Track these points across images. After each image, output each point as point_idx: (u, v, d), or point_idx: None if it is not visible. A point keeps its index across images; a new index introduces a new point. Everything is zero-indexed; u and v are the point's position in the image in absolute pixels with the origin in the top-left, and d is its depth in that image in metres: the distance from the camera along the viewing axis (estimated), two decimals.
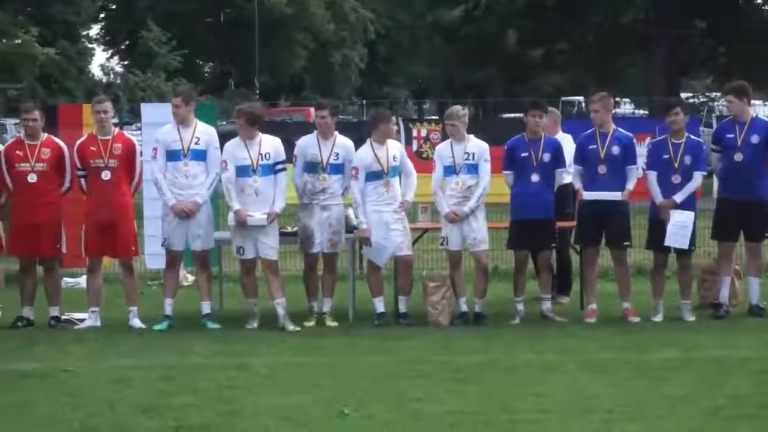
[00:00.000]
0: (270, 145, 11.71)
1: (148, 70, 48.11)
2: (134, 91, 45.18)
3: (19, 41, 32.44)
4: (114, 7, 65.27)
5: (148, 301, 12.70)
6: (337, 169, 11.81)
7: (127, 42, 62.61)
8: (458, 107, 12.21)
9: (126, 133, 12.46)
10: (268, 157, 11.60)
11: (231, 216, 11.64)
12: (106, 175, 11.67)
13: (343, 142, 11.91)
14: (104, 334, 11.45)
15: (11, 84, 30.48)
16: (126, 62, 61.08)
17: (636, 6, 38.79)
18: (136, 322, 11.77)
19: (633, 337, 10.97)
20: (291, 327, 11.52)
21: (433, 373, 9.37)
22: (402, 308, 11.92)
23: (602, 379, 9.10)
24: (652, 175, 11.95)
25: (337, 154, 11.81)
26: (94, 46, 63.28)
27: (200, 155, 11.68)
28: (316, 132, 11.95)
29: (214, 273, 12.49)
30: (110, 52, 66.12)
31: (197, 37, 60.40)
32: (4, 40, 32.58)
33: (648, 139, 12.88)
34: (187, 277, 14.09)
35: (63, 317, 11.99)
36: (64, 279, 13.13)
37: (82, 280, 13.69)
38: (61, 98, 41.80)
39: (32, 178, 11.76)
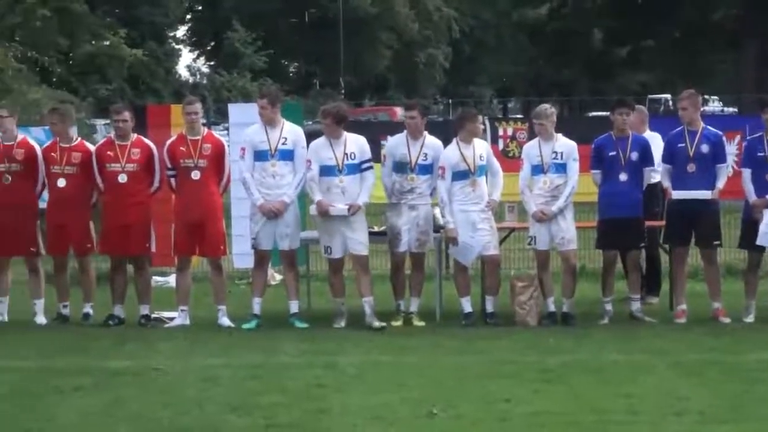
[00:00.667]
0: (355, 144, 11.75)
1: (234, 71, 48.56)
2: (220, 92, 45.62)
3: (108, 43, 32.79)
4: (200, 8, 65.99)
5: (237, 300, 12.79)
6: (426, 169, 11.81)
7: (213, 43, 63.28)
8: (546, 106, 12.15)
9: (215, 133, 12.57)
10: (353, 157, 11.64)
11: (313, 207, 11.71)
12: (195, 175, 11.79)
13: (432, 142, 11.90)
14: (193, 332, 11.58)
15: (101, 85, 30.92)
16: (212, 63, 61.71)
17: (727, 2, 38.25)
18: (225, 321, 11.88)
19: (724, 338, 10.83)
20: (377, 324, 11.54)
21: (521, 373, 9.33)
22: (489, 308, 11.88)
23: (693, 381, 9.00)
24: (747, 173, 11.78)
25: (426, 154, 11.81)
26: (181, 47, 64.04)
27: (287, 155, 11.75)
28: (405, 132, 11.97)
29: (302, 272, 12.55)
30: (196, 53, 66.85)
31: (282, 37, 60.83)
32: (93, 42, 32.98)
33: (738, 138, 12.71)
34: (274, 276, 14.17)
35: (153, 316, 12.14)
36: (154, 278, 13.27)
37: (171, 279, 13.85)
38: (149, 99, 42.34)
39: (122, 178, 11.91)
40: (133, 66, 33.48)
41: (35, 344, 10.90)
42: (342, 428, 7.71)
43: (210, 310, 12.13)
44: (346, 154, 11.62)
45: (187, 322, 11.94)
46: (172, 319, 12.06)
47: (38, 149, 12.22)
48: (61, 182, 12.00)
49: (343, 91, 52.82)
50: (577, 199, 12.14)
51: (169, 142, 12.05)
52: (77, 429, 7.63)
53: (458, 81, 68.69)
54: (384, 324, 11.59)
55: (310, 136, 12.17)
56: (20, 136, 12.39)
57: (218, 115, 29.25)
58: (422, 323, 11.83)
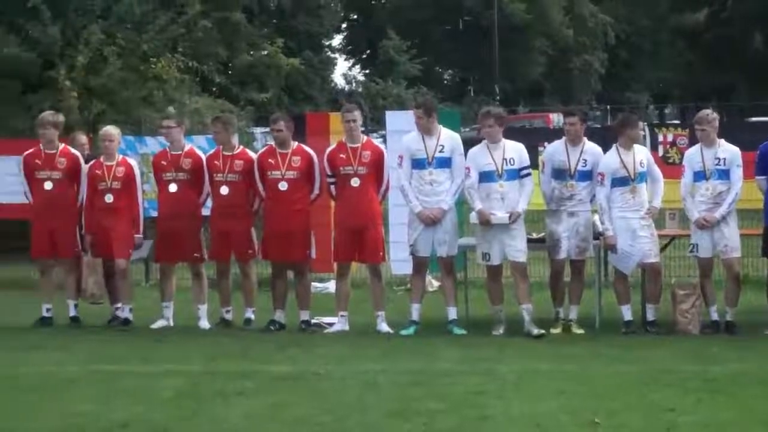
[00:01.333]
0: (514, 150, 11.72)
1: (389, 78, 48.84)
2: (375, 99, 45.94)
3: (266, 52, 33.38)
4: (355, 17, 66.58)
5: (395, 307, 12.87)
6: (585, 176, 11.71)
7: (368, 51, 63.74)
8: (708, 111, 11.93)
9: (374, 141, 12.67)
10: (512, 162, 11.60)
11: (473, 215, 11.70)
12: (355, 182, 11.90)
13: (591, 148, 11.80)
14: (352, 338, 11.69)
15: (259, 94, 31.38)
16: (367, 71, 62.17)
17: None
18: (384, 327, 11.96)
19: None
20: (536, 332, 11.48)
21: (683, 382, 9.16)
22: (650, 316, 11.71)
23: None
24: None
25: (585, 160, 11.71)
26: (337, 55, 64.69)
27: (445, 163, 11.77)
28: (564, 138, 11.89)
29: (460, 279, 12.55)
30: (352, 61, 67.44)
31: (436, 44, 60.91)
32: (252, 52, 33.62)
33: None
34: (432, 282, 14.21)
35: (313, 321, 12.29)
36: (313, 284, 13.43)
37: (331, 285, 14.01)
38: (306, 107, 42.85)
39: (283, 185, 12.08)
40: (290, 75, 34.01)
41: (199, 348, 11.12)
42: None
43: (369, 316, 12.22)
44: (505, 159, 11.60)
45: (347, 327, 12.05)
46: (331, 324, 12.19)
47: (203, 158, 12.50)
48: (224, 190, 12.23)
49: (498, 98, 52.62)
50: (741, 206, 11.89)
51: (329, 149, 12.19)
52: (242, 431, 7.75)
53: (614, 87, 67.84)
54: (543, 331, 11.52)
55: (466, 144, 12.18)
56: (187, 146, 12.69)
57: (374, 123, 29.47)
58: (581, 331, 11.73)
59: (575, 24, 63.42)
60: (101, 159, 12.48)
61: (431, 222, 11.72)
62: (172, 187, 12.38)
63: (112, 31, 21.56)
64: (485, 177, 11.61)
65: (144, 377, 9.69)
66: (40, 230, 12.56)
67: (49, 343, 11.48)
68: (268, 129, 13.59)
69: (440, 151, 11.77)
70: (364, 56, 65.13)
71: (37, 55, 21.66)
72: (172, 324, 12.49)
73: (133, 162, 12.71)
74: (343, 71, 71.32)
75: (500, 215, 11.50)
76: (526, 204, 11.68)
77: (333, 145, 12.29)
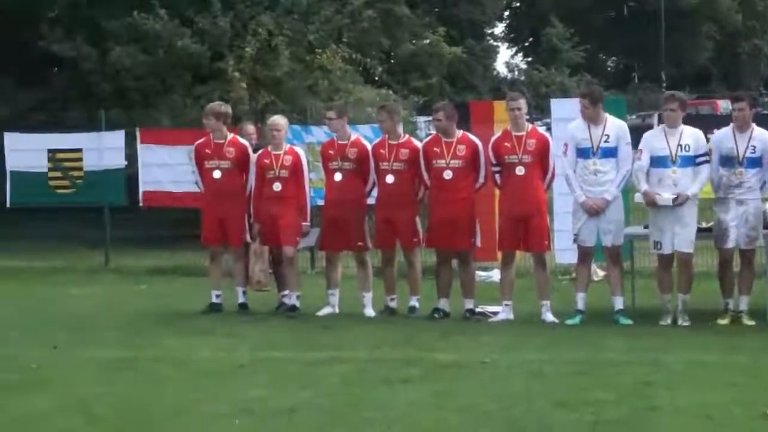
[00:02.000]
0: (691, 137, 11.49)
1: (551, 66, 48.44)
2: (538, 87, 45.63)
3: (428, 41, 33.44)
4: (518, 5, 66.21)
5: (560, 296, 12.79)
6: (754, 162, 11.42)
7: (530, 39, 63.34)
8: None
9: (539, 129, 12.59)
10: (687, 149, 11.39)
11: (638, 195, 11.58)
12: (520, 171, 11.84)
13: (760, 134, 11.50)
14: (517, 327, 11.65)
15: (421, 82, 31.49)
16: (529, 59, 61.79)
17: None
18: (549, 316, 11.88)
19: None
20: (681, 322, 11.37)
21: None
22: None
23: None
24: None
25: (754, 147, 11.42)
26: (499, 43, 64.45)
27: (609, 152, 11.63)
28: (732, 125, 11.62)
29: (626, 268, 12.38)
30: (514, 49, 67.13)
31: (599, 31, 60.20)
32: (414, 42, 33.68)
33: None
34: (597, 272, 14.06)
35: (477, 310, 12.29)
36: (477, 272, 13.42)
37: (494, 274, 13.99)
38: (468, 95, 42.77)
39: (448, 174, 12.08)
40: (452, 63, 34.01)
41: (364, 336, 11.22)
42: (673, 427, 7.54)
43: (533, 305, 12.15)
44: (680, 145, 11.39)
45: (511, 316, 12.02)
46: (496, 313, 12.17)
47: (369, 147, 12.59)
48: (390, 178, 12.30)
49: (664, 85, 51.74)
50: None
51: (494, 138, 12.16)
52: (408, 419, 7.78)
53: None
54: (687, 323, 11.38)
55: (633, 131, 12.00)
56: (353, 136, 12.80)
57: (537, 111, 29.29)
58: (752, 322, 11.46)
59: (744, 8, 61.91)
60: (269, 148, 12.69)
61: (594, 212, 11.60)
62: (338, 176, 12.51)
63: (280, 22, 21.90)
64: (658, 162, 11.43)
65: (311, 364, 9.81)
66: (210, 219, 12.84)
67: (218, 329, 11.73)
68: (431, 118, 13.59)
69: (605, 141, 11.62)
70: (527, 44, 64.74)
71: (206, 46, 22.15)
72: (337, 311, 12.63)
73: (300, 151, 12.89)
74: (506, 59, 70.91)
75: (666, 196, 11.31)
76: (698, 190, 11.45)
77: (498, 134, 12.26)
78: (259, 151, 12.80)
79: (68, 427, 7.61)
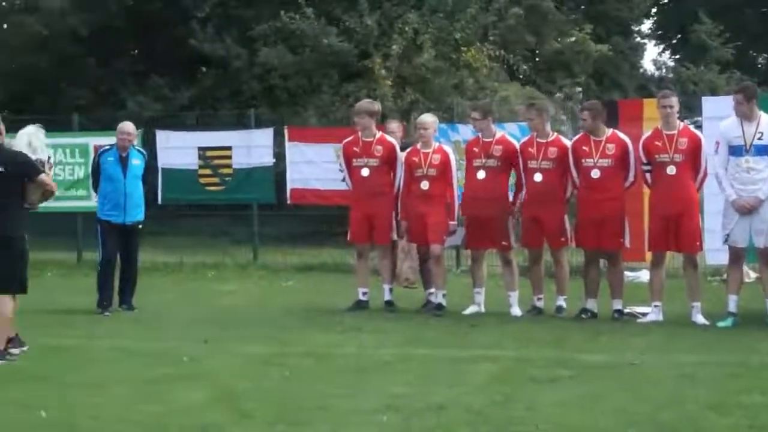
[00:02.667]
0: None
1: (700, 63, 47.45)
2: (686, 85, 44.74)
3: (574, 39, 33.06)
4: (666, 1, 65.07)
5: (711, 297, 12.53)
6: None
7: (678, 36, 62.18)
8: None
9: (691, 128, 12.35)
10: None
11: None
12: (671, 170, 11.64)
13: None
14: (667, 328, 11.45)
15: (567, 81, 31.17)
16: (677, 56, 60.66)
17: None
18: (699, 318, 11.66)
19: None
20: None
21: None
22: None
23: None
24: None
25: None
26: (646, 41, 63.39)
27: (763, 150, 11.35)
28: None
29: None
30: (662, 46, 65.99)
31: (750, 27, 58.77)
32: (559, 39, 33.37)
33: None
34: (749, 273, 13.74)
35: (625, 310, 12.12)
36: (625, 272, 13.22)
37: (642, 274, 13.77)
38: (614, 94, 42.17)
39: (596, 173, 11.96)
40: (598, 61, 33.57)
41: (511, 335, 11.15)
42: None
43: (683, 306, 11.94)
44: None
45: (661, 317, 11.82)
46: (645, 314, 11.98)
47: (517, 145, 12.52)
48: (537, 177, 12.21)
49: None
50: None
51: (644, 137, 11.99)
52: (557, 419, 7.69)
53: None
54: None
55: None
56: (498, 133, 12.73)
57: (686, 110, 28.76)
58: None
59: None
60: (418, 146, 12.70)
61: (747, 211, 11.33)
62: (481, 174, 12.46)
63: (426, 20, 21.93)
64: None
65: (457, 361, 9.79)
66: (357, 216, 12.92)
67: (365, 326, 11.78)
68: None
69: (759, 138, 11.35)
70: (674, 41, 63.55)
71: (353, 45, 22.30)
72: (483, 310, 12.59)
73: (448, 149, 12.88)
74: (653, 57, 69.72)
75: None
76: None
77: (649, 132, 12.06)
78: (408, 149, 12.83)
79: (221, 420, 7.71)
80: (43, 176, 10.33)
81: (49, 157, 10.85)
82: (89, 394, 8.55)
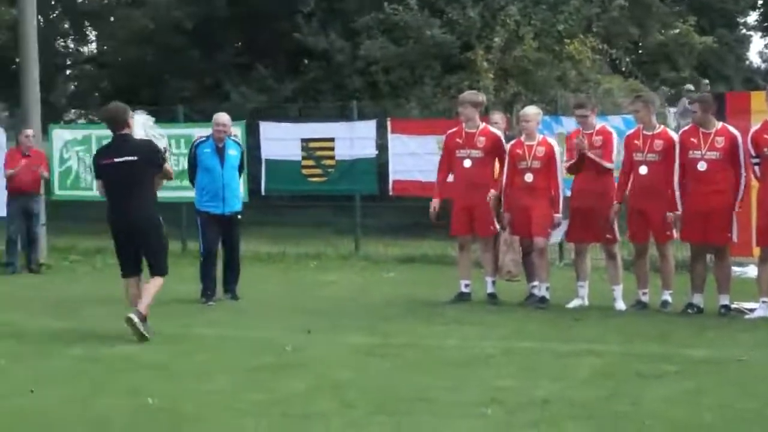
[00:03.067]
0: None
1: None
2: None
3: (678, 31, 32.60)
4: None
5: None
6: None
7: None
8: None
9: None
10: None
11: None
12: None
13: None
14: None
15: (671, 73, 30.74)
16: None
17: None
18: None
19: None
20: None
21: None
22: None
23: None
24: None
25: None
26: (752, 33, 62.30)
27: None
28: None
29: None
30: None
31: None
32: (662, 31, 32.93)
33: None
34: None
35: (733, 306, 11.90)
36: (732, 267, 12.98)
37: (750, 270, 13.51)
38: (719, 86, 41.54)
39: (702, 166, 11.75)
40: (702, 54, 33.07)
41: (616, 329, 11.02)
42: None
43: None
44: None
45: None
46: (752, 310, 11.75)
47: (614, 135, 12.35)
48: (643, 170, 12.03)
49: None
50: None
51: (753, 129, 11.77)
52: (662, 415, 7.57)
53: None
54: None
55: None
56: (598, 125, 12.58)
57: None
58: None
59: None
60: (522, 138, 12.60)
61: None
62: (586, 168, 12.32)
63: (528, 12, 21.78)
64: None
65: (561, 355, 9.69)
66: (459, 208, 12.85)
67: (467, 319, 11.74)
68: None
69: None
70: None
71: (456, 36, 22.24)
72: (587, 304, 12.46)
73: (553, 142, 12.77)
74: (759, 49, 68.46)
75: None
76: None
77: (758, 125, 11.82)
78: (512, 141, 12.74)
79: (323, 409, 7.73)
80: (167, 164, 10.95)
81: (165, 147, 11.13)
82: (195, 382, 8.65)
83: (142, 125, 11.02)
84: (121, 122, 10.78)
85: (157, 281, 10.84)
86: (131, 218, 10.72)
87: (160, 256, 10.90)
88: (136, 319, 10.41)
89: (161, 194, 11.28)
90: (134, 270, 10.92)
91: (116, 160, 10.71)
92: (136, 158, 10.67)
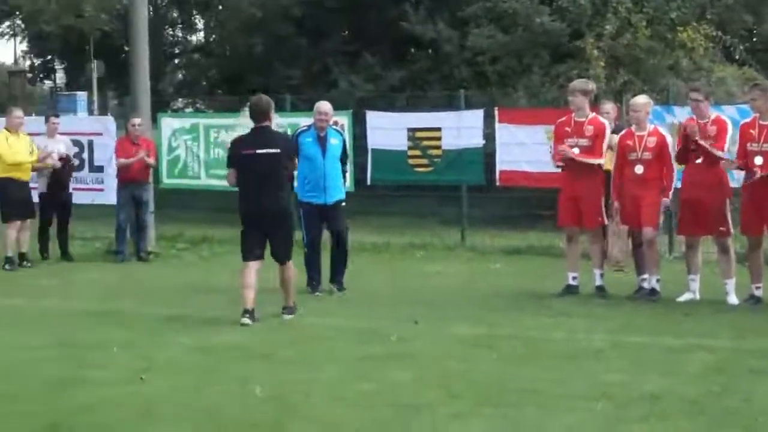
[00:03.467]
0: None
1: None
2: None
3: None
4: None
5: None
6: None
7: None
8: None
9: None
10: None
11: None
12: None
13: None
14: None
15: None
16: None
17: None
18: None
19: None
20: None
21: None
22: None
23: None
24: None
25: None
26: None
27: None
28: None
29: None
30: None
31: None
32: None
33: None
34: None
35: None
36: None
37: None
38: None
39: None
40: None
41: (728, 324, 10.89)
42: None
43: None
44: None
45: None
46: None
47: (729, 124, 12.18)
48: (758, 160, 11.85)
49: None
50: None
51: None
52: None
53: None
54: None
55: None
56: (713, 115, 12.42)
57: None
58: None
59: None
60: (633, 129, 12.50)
61: None
62: (697, 158, 12.17)
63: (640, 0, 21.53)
64: None
65: (671, 350, 9.63)
66: (566, 198, 12.79)
67: (574, 311, 11.70)
68: None
69: None
70: None
71: (566, 24, 22.08)
72: (698, 298, 12.32)
73: (665, 132, 12.63)
74: None
75: None
76: None
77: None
78: (622, 132, 12.64)
79: (430, 399, 7.80)
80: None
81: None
82: (302, 372, 8.77)
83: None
84: (265, 114, 11.35)
85: (289, 270, 11.45)
86: (269, 208, 11.23)
87: (289, 245, 11.46)
88: (249, 322, 10.90)
89: None
90: (259, 255, 11.39)
91: (258, 151, 11.20)
92: (278, 150, 11.25)
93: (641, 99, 12.89)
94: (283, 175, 11.39)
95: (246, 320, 10.96)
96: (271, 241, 11.33)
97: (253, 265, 11.26)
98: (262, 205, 11.19)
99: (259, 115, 11.30)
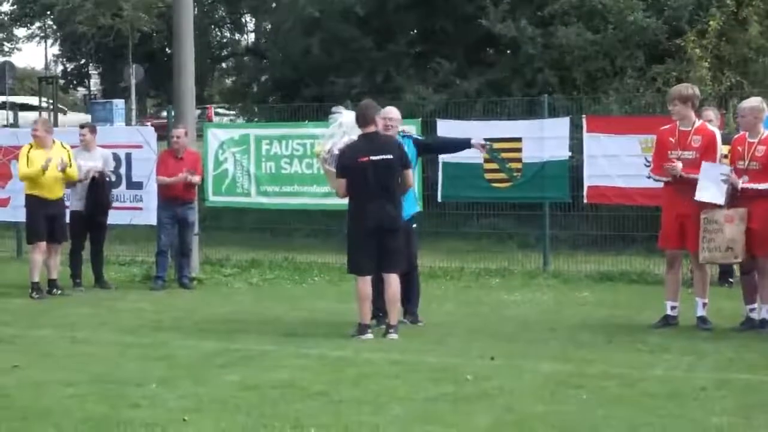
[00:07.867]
0: None
1: None
2: None
3: None
4: None
5: None
6: None
7: None
8: None
9: None
10: None
11: None
12: None
13: None
14: None
15: None
16: None
17: None
18: None
19: None
20: None
21: None
22: None
23: None
24: None
25: None
26: None
27: None
28: None
29: None
30: None
31: None
32: None
33: None
34: None
35: None
36: None
37: None
38: None
39: None
40: None
41: None
42: None
43: None
44: None
45: None
46: None
47: None
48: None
49: None
50: None
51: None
52: None
53: None
54: None
55: None
56: None
57: None
58: None
59: None
60: (746, 135, 12.37)
61: None
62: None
63: None
64: None
65: None
66: (669, 218, 12.66)
67: (674, 345, 11.60)
68: None
69: None
70: None
71: (662, 21, 21.94)
72: None
73: None
74: None
75: None
76: None
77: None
78: (736, 136, 12.56)
79: None
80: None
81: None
82: (365, 413, 8.73)
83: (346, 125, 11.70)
84: (370, 120, 11.95)
85: (395, 284, 12.14)
86: (386, 217, 11.85)
87: (402, 254, 12.26)
88: (371, 336, 11.90)
89: (322, 201, 11.55)
90: (374, 268, 12.02)
91: (373, 158, 11.80)
92: (392, 156, 11.86)
93: (750, 102, 12.70)
94: (397, 182, 11.95)
95: (369, 335, 11.93)
96: (385, 251, 11.96)
97: (368, 281, 11.98)
98: (378, 214, 11.81)
99: (365, 121, 11.96)
